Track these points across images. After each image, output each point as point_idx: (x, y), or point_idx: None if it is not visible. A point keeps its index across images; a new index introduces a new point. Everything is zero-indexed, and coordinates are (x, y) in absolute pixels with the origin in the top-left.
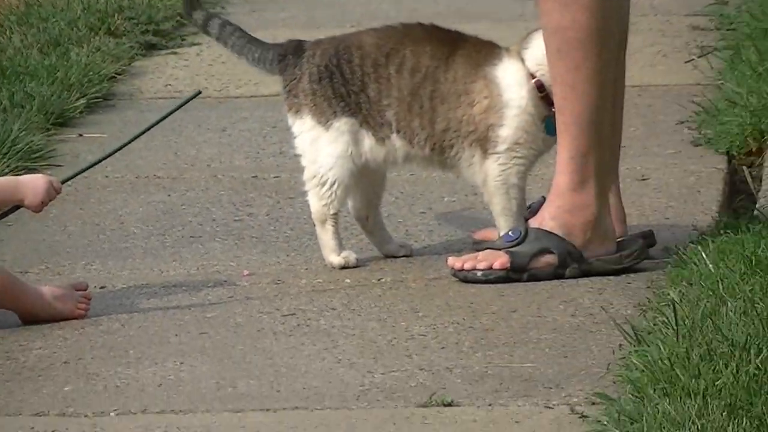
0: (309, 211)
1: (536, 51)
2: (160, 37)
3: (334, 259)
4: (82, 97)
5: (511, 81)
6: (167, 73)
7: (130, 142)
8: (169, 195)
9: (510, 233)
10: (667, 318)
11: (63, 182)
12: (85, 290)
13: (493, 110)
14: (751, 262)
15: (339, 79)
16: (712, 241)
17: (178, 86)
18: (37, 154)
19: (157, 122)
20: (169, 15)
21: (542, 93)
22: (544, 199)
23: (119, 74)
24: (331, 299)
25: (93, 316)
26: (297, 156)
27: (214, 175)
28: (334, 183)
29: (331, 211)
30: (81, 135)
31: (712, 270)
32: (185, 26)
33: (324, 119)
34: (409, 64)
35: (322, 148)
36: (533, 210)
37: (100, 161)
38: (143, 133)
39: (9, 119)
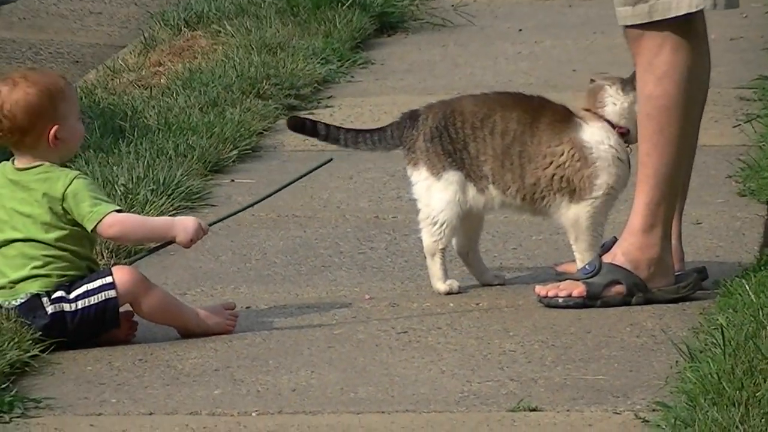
0: (421, 246)
1: (614, 107)
2: (300, 100)
3: (441, 286)
4: (235, 149)
5: (599, 138)
6: None
7: (269, 196)
8: (304, 231)
9: (587, 266)
10: (716, 339)
11: (211, 224)
12: (233, 309)
13: (587, 166)
14: None
15: (447, 138)
16: (754, 276)
17: (314, 141)
18: (197, 196)
19: (294, 181)
20: (308, 82)
21: (625, 137)
22: (615, 239)
23: (265, 131)
24: (437, 320)
25: (239, 332)
26: (413, 200)
27: (343, 215)
28: (443, 223)
29: (440, 246)
30: (233, 180)
31: (754, 300)
32: (321, 92)
33: (436, 171)
34: (500, 128)
35: (434, 194)
36: (606, 247)
37: (242, 210)
38: (281, 189)
39: (174, 166)
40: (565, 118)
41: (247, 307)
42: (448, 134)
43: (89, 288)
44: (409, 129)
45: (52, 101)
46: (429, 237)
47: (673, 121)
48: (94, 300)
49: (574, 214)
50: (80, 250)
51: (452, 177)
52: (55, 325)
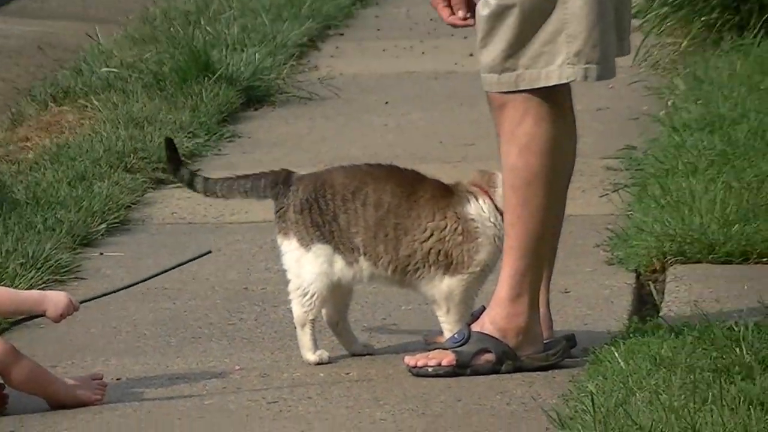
0: (291, 316)
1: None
2: (167, 173)
3: (311, 356)
4: (103, 222)
5: (486, 215)
6: (173, 204)
7: (142, 281)
8: (174, 303)
9: (455, 336)
10: (586, 406)
11: (82, 302)
12: (101, 379)
13: (469, 241)
14: (656, 360)
15: (316, 210)
16: (623, 343)
17: (183, 214)
18: (66, 269)
19: (170, 269)
20: None
21: None
22: (483, 308)
23: (134, 204)
24: (308, 390)
25: (110, 403)
26: (282, 271)
27: (212, 286)
28: (314, 294)
29: (310, 317)
30: (102, 253)
31: (623, 366)
32: (188, 165)
33: (305, 243)
34: (372, 199)
35: (304, 265)
36: (475, 316)
37: (114, 292)
38: (155, 276)
39: (42, 240)
40: (448, 193)
41: (117, 379)
42: (318, 206)
43: None
44: (282, 196)
45: None
46: (299, 308)
47: (536, 193)
48: None
49: (447, 287)
50: None
51: (320, 250)
52: None
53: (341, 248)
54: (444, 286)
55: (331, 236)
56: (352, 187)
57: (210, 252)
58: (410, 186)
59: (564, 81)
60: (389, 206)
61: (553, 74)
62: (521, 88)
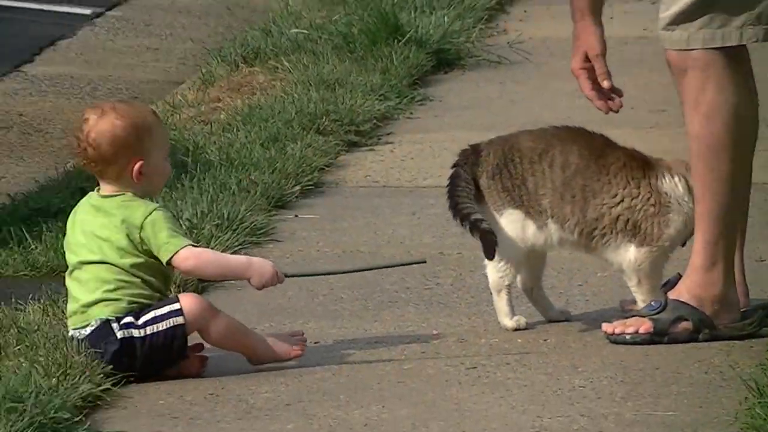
0: (486, 282)
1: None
2: (360, 136)
3: (508, 322)
4: (297, 184)
5: (681, 194)
6: (367, 166)
7: (351, 272)
8: None
9: (652, 303)
10: None
11: (287, 276)
12: (302, 335)
13: (660, 216)
14: None
15: (507, 175)
16: None
17: (376, 177)
18: (261, 231)
19: (380, 267)
20: (368, 118)
21: None
22: (680, 275)
23: (327, 166)
24: (506, 356)
25: (309, 366)
26: None
27: (407, 250)
28: (509, 260)
29: (506, 282)
30: (296, 216)
31: None
32: (380, 128)
33: (498, 208)
34: (559, 161)
35: (498, 231)
36: (671, 284)
37: (321, 274)
38: (361, 270)
39: (237, 202)
40: (645, 164)
41: (315, 342)
42: (508, 171)
43: (157, 314)
44: (474, 166)
45: (139, 136)
46: (495, 273)
47: (722, 160)
48: (162, 326)
49: (635, 257)
50: (153, 281)
51: (513, 214)
52: (125, 350)
53: (531, 212)
54: (631, 256)
55: (521, 200)
56: (539, 149)
57: (425, 261)
58: (600, 149)
59: (744, 42)
60: (576, 167)
61: (732, 35)
62: (692, 47)
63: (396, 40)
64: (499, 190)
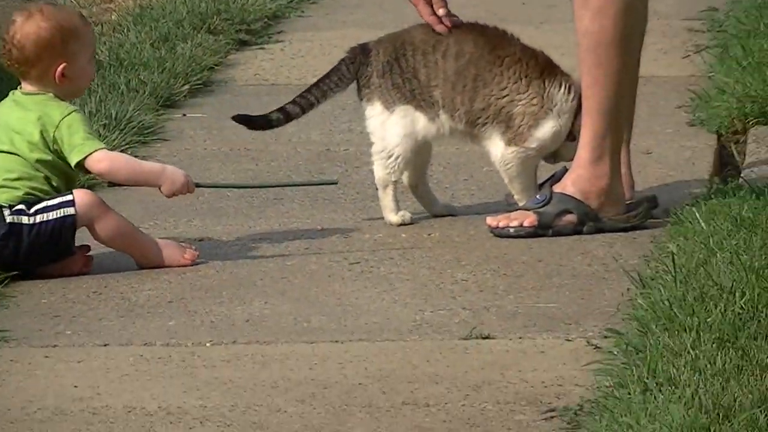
0: (372, 178)
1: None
2: (250, 35)
3: (393, 217)
4: (186, 83)
5: (562, 99)
6: (256, 65)
7: (254, 187)
8: (256, 164)
9: (537, 197)
10: (667, 267)
11: (197, 186)
12: (192, 248)
13: (535, 116)
14: (736, 221)
15: (398, 70)
16: (705, 204)
17: (265, 75)
18: (149, 131)
19: (288, 185)
20: (259, 17)
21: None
22: (565, 169)
23: (216, 65)
24: (389, 251)
25: (193, 264)
26: (364, 133)
27: (294, 148)
28: (398, 156)
29: (393, 179)
30: (185, 115)
31: (704, 228)
32: (271, 27)
33: (389, 105)
34: (453, 51)
35: (388, 128)
36: (556, 177)
37: (228, 187)
38: (269, 186)
39: (125, 101)
40: (546, 67)
41: (200, 240)
42: (399, 65)
43: (49, 204)
44: (363, 66)
45: (64, 38)
46: (382, 169)
47: (611, 55)
48: (52, 215)
49: (502, 155)
50: (54, 179)
51: (404, 110)
52: (12, 235)
53: (422, 105)
54: (499, 152)
55: (412, 95)
56: (432, 41)
57: (336, 182)
58: (496, 41)
59: None
60: (470, 56)
61: None
62: None
63: None
64: (389, 87)
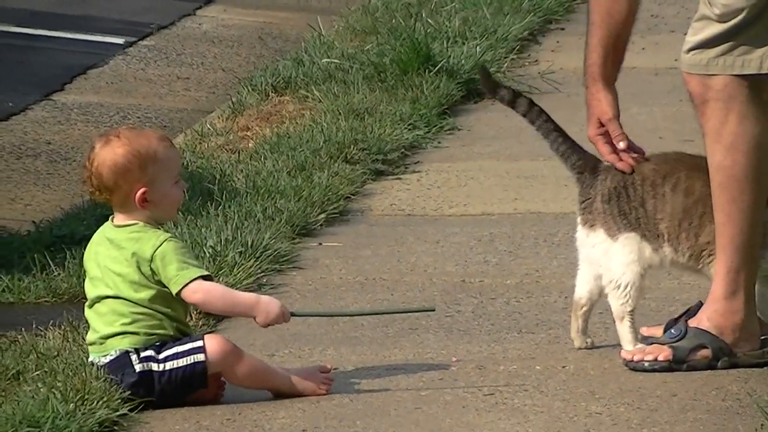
0: (507, 309)
1: None
2: (387, 164)
3: (632, 348)
4: (323, 212)
5: None
6: (392, 195)
7: (352, 315)
8: (392, 294)
9: (673, 331)
10: None
11: (293, 315)
12: (328, 372)
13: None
14: None
15: (624, 198)
16: None
17: (402, 206)
18: (284, 258)
19: (388, 313)
20: (395, 147)
21: None
22: (701, 303)
23: (353, 195)
24: (524, 382)
25: (327, 393)
26: (499, 265)
27: (430, 278)
28: (627, 285)
29: (628, 309)
30: (320, 243)
31: None
32: (408, 157)
33: (613, 233)
34: (683, 186)
35: (613, 257)
36: (691, 312)
37: (324, 315)
38: (368, 314)
39: (262, 229)
40: None
41: (334, 369)
42: (626, 194)
43: (179, 350)
44: (587, 187)
45: (141, 164)
46: (615, 301)
47: (744, 190)
48: (182, 362)
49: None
50: (170, 312)
51: (629, 238)
52: (143, 383)
53: (647, 235)
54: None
55: (638, 223)
56: (662, 172)
57: (434, 310)
58: None
59: (764, 71)
60: (700, 194)
61: (753, 63)
62: (711, 72)
63: (427, 70)
64: (615, 214)
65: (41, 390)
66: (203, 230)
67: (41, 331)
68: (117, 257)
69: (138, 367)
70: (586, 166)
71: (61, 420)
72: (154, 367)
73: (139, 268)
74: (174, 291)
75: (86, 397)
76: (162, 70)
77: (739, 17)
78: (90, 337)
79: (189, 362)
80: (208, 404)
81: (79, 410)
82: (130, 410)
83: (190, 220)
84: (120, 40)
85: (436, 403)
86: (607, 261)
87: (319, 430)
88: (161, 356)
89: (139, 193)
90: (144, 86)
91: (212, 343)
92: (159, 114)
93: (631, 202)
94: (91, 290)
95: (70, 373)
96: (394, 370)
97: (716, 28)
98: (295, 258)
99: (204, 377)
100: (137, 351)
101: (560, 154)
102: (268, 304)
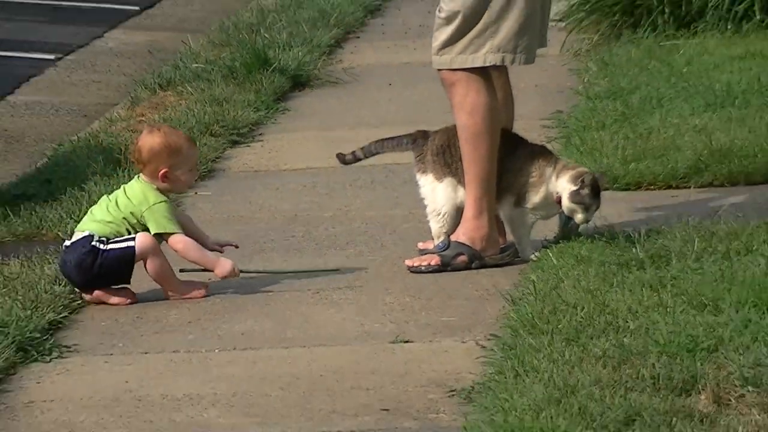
0: (327, 234)
1: (563, 184)
2: (240, 137)
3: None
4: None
5: (551, 178)
6: (244, 158)
7: (281, 272)
8: (246, 225)
9: (440, 244)
10: (530, 290)
11: (241, 272)
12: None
13: (534, 186)
14: (578, 257)
15: (448, 153)
16: (555, 246)
17: (251, 165)
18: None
19: (301, 271)
20: (245, 124)
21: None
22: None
23: (217, 158)
24: (339, 284)
25: (207, 296)
26: (319, 201)
27: (272, 214)
28: (446, 214)
29: (444, 230)
30: (196, 193)
31: (555, 262)
32: (254, 131)
33: (439, 177)
34: None
35: (438, 193)
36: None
37: (266, 272)
38: (292, 272)
39: None
40: (543, 154)
41: (209, 279)
42: (450, 150)
43: (119, 240)
44: (421, 145)
45: (169, 152)
46: (435, 224)
47: (482, 142)
48: (118, 246)
49: (510, 214)
50: (133, 232)
51: (450, 181)
52: (90, 255)
53: (461, 181)
54: (508, 212)
55: (456, 172)
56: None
57: (338, 270)
58: (516, 144)
59: (487, 65)
60: (500, 153)
61: (478, 59)
62: (454, 67)
63: (265, 70)
64: (441, 164)
65: (7, 301)
66: (114, 188)
67: (5, 261)
68: (135, 188)
69: (92, 246)
70: (417, 136)
71: (21, 321)
72: (100, 246)
73: (138, 204)
74: (157, 230)
75: (38, 305)
76: (82, 77)
77: (459, 18)
78: (78, 227)
79: (123, 246)
80: (122, 307)
81: (34, 314)
82: (70, 313)
83: (104, 180)
84: (52, 56)
85: (279, 300)
86: (434, 196)
87: (200, 321)
88: (108, 243)
89: (162, 171)
90: (70, 88)
91: (141, 238)
92: (81, 107)
93: (453, 157)
94: (102, 203)
95: (27, 290)
96: (250, 279)
97: (448, 30)
98: (178, 204)
99: (131, 261)
100: (99, 237)
101: (396, 146)
102: (225, 261)
